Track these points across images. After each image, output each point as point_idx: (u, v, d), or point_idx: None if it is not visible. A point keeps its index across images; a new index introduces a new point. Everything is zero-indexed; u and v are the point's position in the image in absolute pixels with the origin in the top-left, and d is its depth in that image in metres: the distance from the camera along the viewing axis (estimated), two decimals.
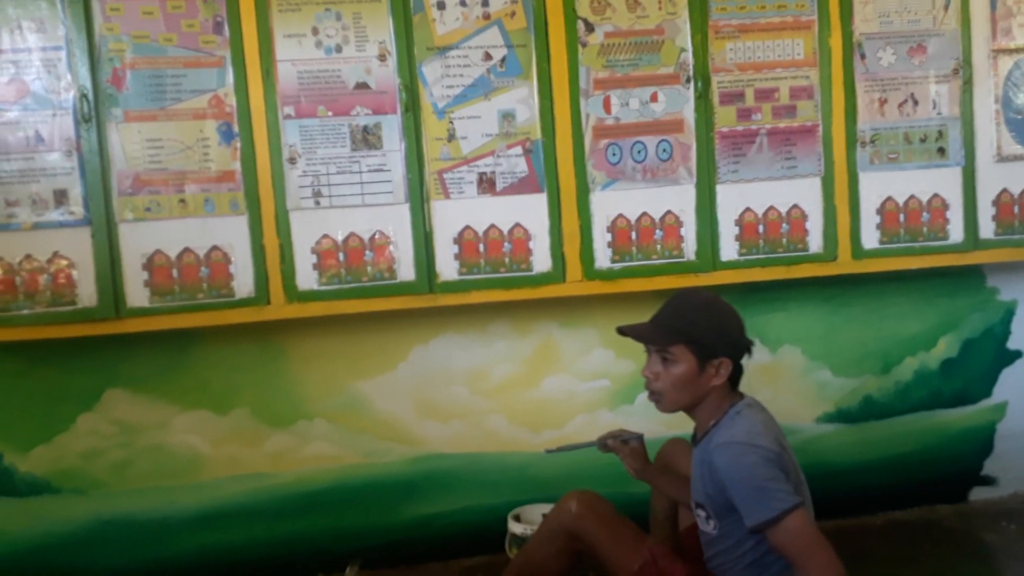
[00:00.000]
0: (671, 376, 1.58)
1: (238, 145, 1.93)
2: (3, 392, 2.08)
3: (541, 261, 2.05)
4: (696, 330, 1.57)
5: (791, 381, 2.39)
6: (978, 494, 2.48)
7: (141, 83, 1.88)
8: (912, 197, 2.19)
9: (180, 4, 1.89)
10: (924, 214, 2.20)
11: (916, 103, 2.19)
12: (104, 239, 1.88)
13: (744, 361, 1.62)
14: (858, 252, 2.18)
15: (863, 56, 2.16)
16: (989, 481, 2.49)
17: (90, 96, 1.86)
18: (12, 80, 1.85)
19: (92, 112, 1.86)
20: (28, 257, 1.87)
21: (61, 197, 1.87)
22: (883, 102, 2.18)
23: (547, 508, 2.17)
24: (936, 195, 2.20)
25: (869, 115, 2.17)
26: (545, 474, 2.28)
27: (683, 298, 1.64)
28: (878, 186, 2.18)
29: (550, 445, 2.27)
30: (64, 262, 1.88)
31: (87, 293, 1.89)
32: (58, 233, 1.87)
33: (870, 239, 2.18)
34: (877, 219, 2.18)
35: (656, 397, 1.63)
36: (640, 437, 1.78)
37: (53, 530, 2.11)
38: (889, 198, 2.19)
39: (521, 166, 2.04)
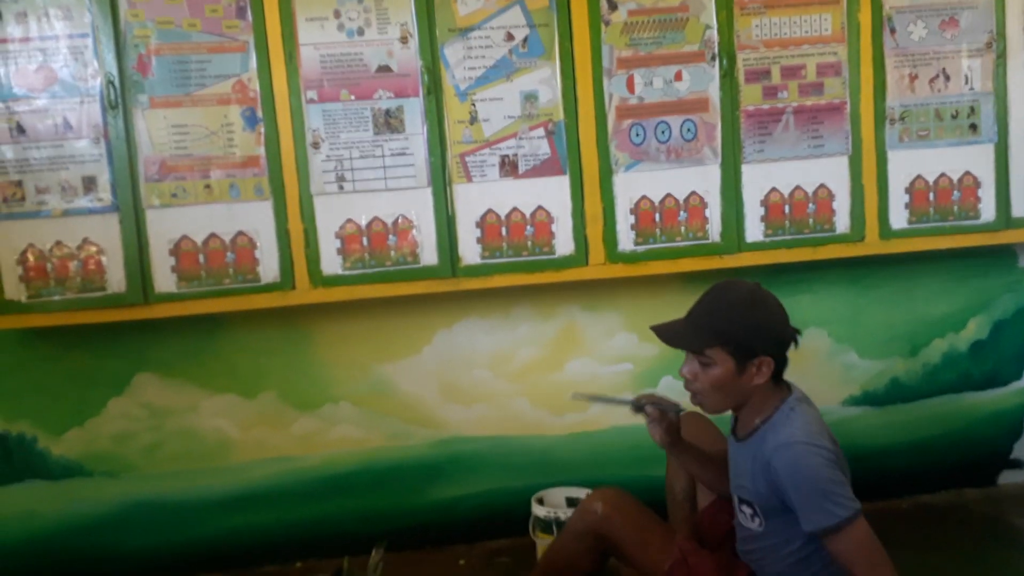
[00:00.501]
0: (709, 378, 1.52)
1: (262, 130, 1.94)
2: (36, 377, 2.12)
3: (564, 244, 2.05)
4: (733, 330, 1.51)
5: (817, 363, 2.37)
6: (1007, 477, 2.46)
7: (166, 69, 1.90)
8: (943, 175, 2.16)
9: None
10: (955, 192, 2.17)
11: (948, 78, 2.15)
12: (132, 225, 1.91)
13: (791, 351, 1.57)
14: (886, 232, 2.15)
15: (893, 30, 2.12)
16: (1018, 464, 2.47)
17: (116, 83, 1.88)
18: (40, 68, 1.87)
19: (119, 99, 1.89)
20: (58, 244, 1.91)
21: (90, 184, 1.90)
22: (913, 78, 2.14)
23: (570, 491, 2.21)
24: (967, 173, 2.17)
25: (899, 91, 2.13)
26: (568, 457, 2.30)
27: (719, 294, 1.58)
28: (907, 164, 2.15)
29: (573, 428, 2.31)
30: (93, 248, 1.91)
31: (116, 279, 1.92)
32: (87, 220, 1.91)
33: (899, 219, 2.15)
34: (906, 198, 2.15)
35: (697, 399, 1.57)
36: (679, 410, 1.71)
37: (85, 511, 2.16)
38: (919, 176, 2.16)
39: (543, 148, 2.03)
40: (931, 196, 2.16)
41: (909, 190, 2.16)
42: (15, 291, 1.90)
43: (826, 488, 1.42)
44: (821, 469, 1.44)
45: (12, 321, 1.92)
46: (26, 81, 1.88)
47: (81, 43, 1.88)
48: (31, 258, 1.90)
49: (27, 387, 2.12)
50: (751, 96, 2.09)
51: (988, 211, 2.18)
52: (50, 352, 2.11)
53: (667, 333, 1.57)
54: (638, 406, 1.70)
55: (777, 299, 1.59)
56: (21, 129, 1.88)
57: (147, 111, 1.91)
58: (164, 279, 1.94)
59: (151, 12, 1.89)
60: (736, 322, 1.52)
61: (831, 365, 2.38)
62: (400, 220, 2.00)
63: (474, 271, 2.03)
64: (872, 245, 2.16)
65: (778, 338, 1.55)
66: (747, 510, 1.57)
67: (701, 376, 1.54)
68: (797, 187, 2.12)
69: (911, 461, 2.41)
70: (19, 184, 1.89)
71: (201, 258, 1.95)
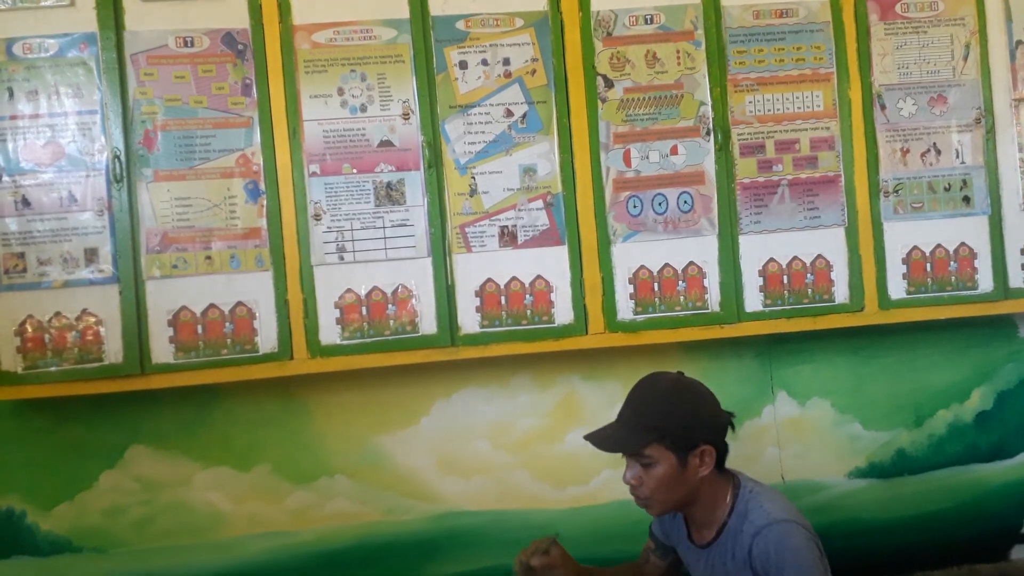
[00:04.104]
0: (654, 479, 1.49)
1: (264, 202, 1.98)
2: (28, 449, 2.10)
3: (563, 313, 2.07)
4: (666, 423, 1.49)
5: (820, 435, 2.36)
6: (1020, 552, 2.42)
7: (171, 144, 1.96)
8: (939, 246, 2.19)
9: (211, 68, 1.96)
10: (952, 263, 2.19)
11: (939, 152, 2.20)
12: (131, 296, 1.93)
13: (729, 437, 1.54)
14: (885, 302, 2.17)
15: (883, 107, 2.19)
16: None
17: (122, 157, 1.93)
18: (48, 143, 1.93)
19: (124, 172, 1.93)
20: (57, 314, 1.92)
21: (91, 255, 1.93)
22: (905, 152, 2.20)
23: None
24: (963, 244, 2.20)
25: (892, 165, 2.19)
26: (570, 532, 2.23)
27: (645, 389, 1.56)
28: (903, 235, 2.19)
29: (575, 502, 2.28)
30: (92, 319, 1.93)
31: (113, 349, 1.93)
32: (87, 291, 1.93)
33: (897, 289, 2.18)
34: (903, 269, 2.18)
35: (644, 503, 1.54)
36: (554, 539, 1.69)
37: None
38: (915, 247, 2.19)
39: (542, 219, 2.07)
40: (928, 267, 2.19)
41: (906, 261, 2.18)
42: (11, 362, 1.91)
43: (809, 570, 1.39)
44: (808, 550, 1.41)
45: (7, 393, 1.92)
46: (34, 156, 1.93)
47: (89, 119, 1.93)
48: (29, 329, 1.91)
49: (18, 460, 2.10)
50: (746, 169, 2.14)
51: (986, 282, 2.21)
52: (44, 424, 2.10)
53: (601, 439, 1.54)
54: (526, 568, 1.66)
55: (704, 385, 1.58)
56: (26, 202, 1.92)
57: (151, 184, 1.95)
58: (162, 350, 1.94)
59: (159, 90, 1.95)
60: (668, 414, 1.49)
61: (835, 436, 2.37)
62: (400, 290, 2.02)
63: (473, 340, 2.04)
64: (872, 315, 2.18)
65: (714, 423, 1.53)
66: None
67: (645, 478, 1.50)
68: (795, 257, 2.15)
69: (920, 536, 2.38)
70: (21, 256, 1.91)
71: (200, 328, 1.96)
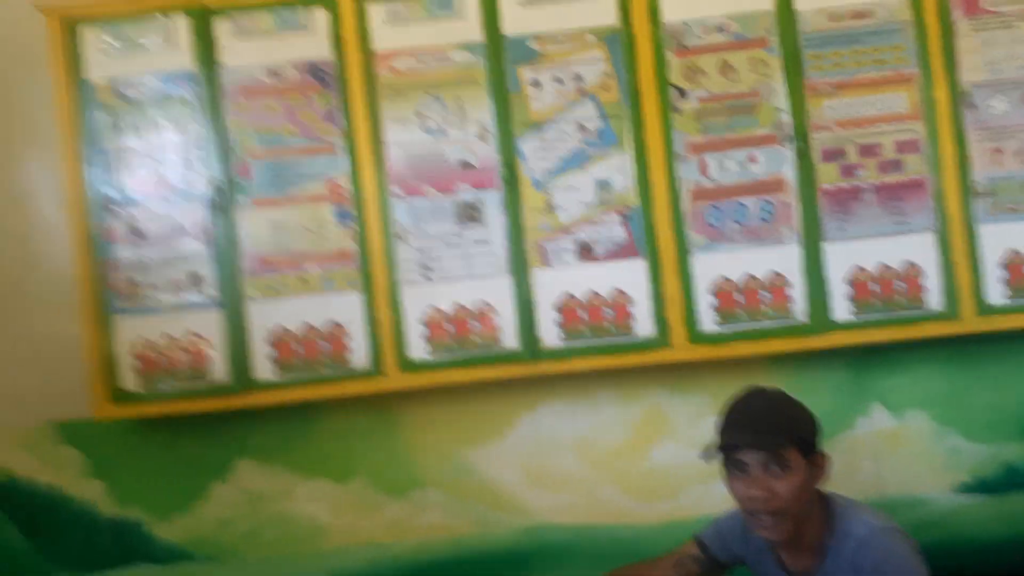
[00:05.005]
0: (790, 486, 1.40)
1: (353, 225, 2.08)
2: (146, 464, 2.24)
3: (644, 326, 2.07)
4: (798, 426, 1.44)
5: (919, 448, 2.25)
6: None
7: (265, 172, 2.08)
8: None
9: (298, 97, 2.09)
10: None
11: None
12: (234, 318, 2.06)
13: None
14: (983, 308, 2.07)
15: (972, 106, 2.10)
16: None
17: (222, 186, 2.07)
18: (156, 176, 2.09)
19: (223, 201, 2.07)
20: (168, 336, 2.07)
21: (196, 280, 2.07)
22: (998, 151, 2.10)
23: None
24: None
25: (984, 165, 2.09)
26: (656, 548, 2.20)
27: (759, 398, 1.51)
28: (1001, 238, 2.08)
29: (665, 517, 2.25)
30: (198, 340, 2.06)
31: (219, 369, 2.06)
32: (194, 313, 2.07)
33: (996, 294, 2.07)
34: (1002, 273, 2.08)
35: (774, 521, 1.42)
36: None
37: None
38: (1015, 251, 2.08)
39: (619, 232, 2.08)
40: None
41: (1004, 265, 2.08)
42: (130, 382, 2.06)
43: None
44: (913, 557, 1.37)
45: (127, 411, 2.07)
46: (142, 187, 2.09)
47: (191, 152, 2.09)
48: (144, 350, 2.07)
49: (138, 473, 2.24)
50: (828, 175, 2.09)
51: None
52: (160, 439, 2.24)
53: (744, 439, 1.43)
54: None
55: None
56: (136, 231, 2.08)
57: (249, 211, 2.08)
58: (263, 368, 2.06)
59: (252, 121, 2.08)
60: (796, 417, 1.45)
61: (935, 450, 2.25)
62: (482, 306, 2.08)
63: (554, 354, 2.07)
64: (968, 322, 2.08)
65: (820, 433, 1.48)
66: None
67: (779, 487, 1.40)
68: (883, 264, 2.09)
69: None
70: (134, 281, 2.07)
71: (297, 347, 2.06)
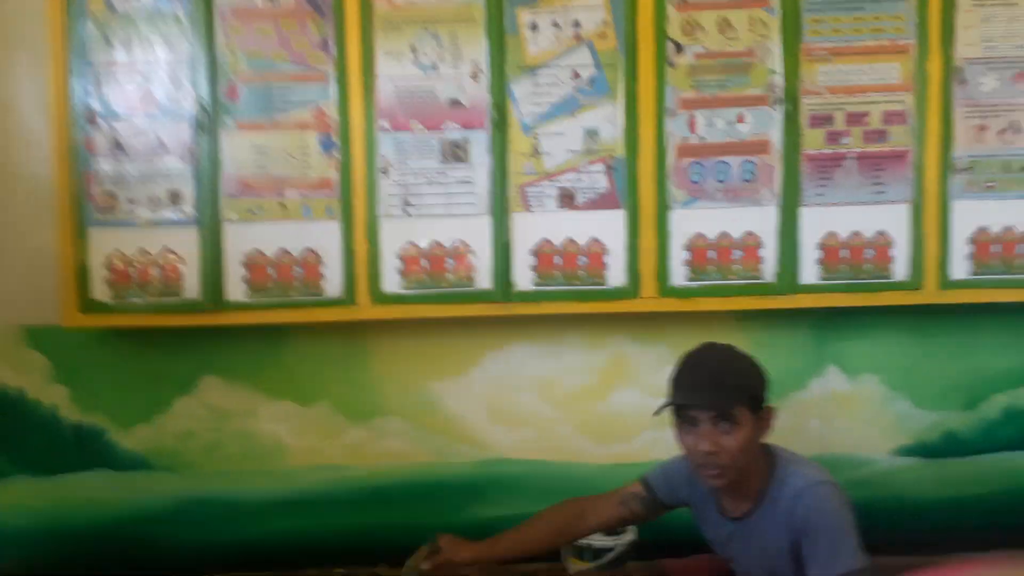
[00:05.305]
0: (738, 441, 1.51)
1: (337, 155, 2.15)
2: (113, 373, 2.35)
3: (616, 276, 2.19)
4: (749, 381, 1.53)
5: (870, 411, 2.44)
6: None
7: (253, 96, 2.13)
8: (1008, 228, 2.23)
9: (293, 24, 2.13)
10: (1021, 245, 2.23)
11: (1018, 131, 2.22)
12: (210, 237, 2.14)
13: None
14: (946, 282, 2.22)
15: (963, 81, 2.20)
16: None
17: (208, 107, 2.12)
18: (141, 91, 2.13)
19: (208, 121, 2.13)
20: (143, 251, 2.15)
21: (175, 198, 2.14)
22: (982, 128, 2.21)
23: None
24: None
25: (967, 142, 2.21)
26: (606, 486, 2.36)
27: (713, 355, 1.59)
28: (972, 215, 2.21)
29: (616, 458, 2.43)
30: (173, 257, 2.15)
31: (191, 286, 2.14)
32: (170, 230, 2.15)
33: (959, 269, 2.22)
34: (968, 249, 2.22)
35: (719, 471, 1.54)
36: (434, 543, 1.78)
37: (144, 503, 2.38)
38: (983, 228, 2.22)
39: (602, 182, 2.19)
40: (995, 248, 2.22)
41: (972, 241, 2.22)
42: (101, 292, 2.14)
43: (845, 532, 1.46)
44: (844, 511, 1.49)
45: (98, 320, 2.16)
46: (129, 103, 2.13)
47: (179, 70, 2.13)
48: (117, 263, 2.15)
49: (104, 382, 2.35)
50: (813, 140, 2.19)
51: None
52: (127, 351, 2.34)
53: (695, 396, 1.53)
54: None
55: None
56: (119, 145, 2.13)
57: (233, 133, 2.14)
58: (235, 289, 2.15)
59: (244, 44, 2.13)
60: (747, 372, 1.54)
61: (884, 413, 2.44)
62: (459, 245, 2.18)
63: (526, 297, 2.19)
64: (931, 294, 2.23)
65: (767, 385, 1.59)
66: None
67: (726, 442, 1.52)
68: (856, 232, 2.21)
69: (962, 518, 2.45)
70: (113, 195, 2.14)
71: (271, 271, 2.16)
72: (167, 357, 2.37)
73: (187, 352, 2.36)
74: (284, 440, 2.41)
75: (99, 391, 2.37)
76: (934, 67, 2.21)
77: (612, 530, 2.05)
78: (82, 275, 2.15)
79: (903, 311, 2.35)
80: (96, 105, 2.14)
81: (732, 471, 1.56)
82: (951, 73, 2.21)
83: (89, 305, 2.16)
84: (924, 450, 2.48)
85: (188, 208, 2.16)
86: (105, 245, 2.16)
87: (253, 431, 2.40)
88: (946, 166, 2.22)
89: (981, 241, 2.24)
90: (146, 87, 2.14)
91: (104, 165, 2.15)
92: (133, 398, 2.37)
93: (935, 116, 2.22)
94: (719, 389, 1.53)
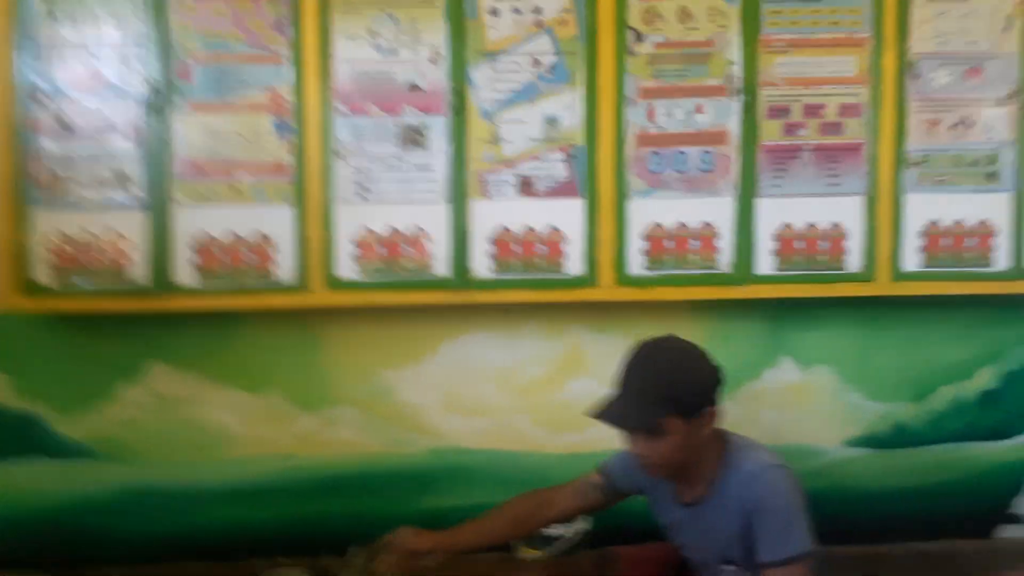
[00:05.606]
0: (667, 448, 1.58)
1: (292, 139, 2.17)
2: (55, 359, 2.34)
3: (574, 265, 2.25)
4: (676, 392, 1.57)
5: (821, 402, 2.54)
6: (1004, 531, 2.62)
7: (207, 77, 2.14)
8: (959, 221, 2.33)
9: (248, 3, 2.14)
10: (970, 239, 2.34)
11: (969, 126, 2.33)
12: (159, 220, 2.15)
13: (726, 398, 1.66)
14: (898, 274, 2.31)
15: (917, 76, 2.29)
16: (1016, 519, 2.62)
17: (159, 87, 2.13)
18: (90, 70, 2.12)
19: (159, 102, 2.13)
20: (87, 233, 2.15)
21: (123, 180, 2.14)
22: (934, 123, 2.31)
23: None
24: (983, 221, 2.33)
25: (920, 136, 2.30)
26: (562, 476, 2.41)
27: (646, 361, 1.64)
28: (924, 208, 2.31)
29: (571, 448, 2.48)
30: (120, 239, 2.15)
31: (139, 270, 2.15)
32: (118, 213, 2.15)
33: (911, 261, 2.32)
34: (920, 242, 2.32)
35: (653, 469, 1.64)
36: (385, 543, 1.83)
37: (86, 493, 2.38)
38: (934, 221, 2.32)
39: (561, 171, 2.24)
40: (946, 241, 2.33)
41: (924, 234, 2.32)
42: (44, 276, 2.14)
43: (795, 515, 1.54)
44: (794, 495, 1.56)
45: (39, 304, 2.15)
46: (75, 81, 2.12)
47: (130, 49, 2.13)
48: (62, 246, 2.14)
49: (45, 368, 2.34)
50: (770, 131, 2.27)
51: (1003, 260, 2.34)
52: (71, 337, 2.34)
53: (613, 416, 1.61)
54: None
55: (695, 344, 1.68)
56: (65, 125, 2.12)
57: (185, 115, 2.14)
58: (184, 273, 2.16)
59: (198, 23, 2.13)
60: (676, 383, 1.58)
61: (835, 405, 2.54)
62: (416, 232, 2.22)
63: (484, 285, 2.23)
64: (883, 286, 2.32)
65: (715, 384, 1.64)
66: (730, 568, 1.65)
67: (654, 449, 1.60)
68: (811, 224, 2.30)
69: (908, 507, 2.57)
70: (58, 176, 2.13)
71: (222, 256, 2.17)
72: (112, 343, 2.37)
73: (133, 338, 2.37)
74: (233, 429, 2.43)
75: (40, 377, 2.37)
76: (889, 61, 2.30)
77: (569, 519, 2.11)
78: (23, 257, 2.14)
79: (856, 303, 2.45)
80: (40, 82, 2.13)
81: (668, 468, 1.65)
82: (905, 67, 2.30)
83: (30, 288, 2.15)
84: (874, 441, 2.59)
85: (136, 190, 2.16)
86: (48, 226, 2.15)
87: (201, 419, 2.42)
88: (900, 159, 2.32)
89: (932, 234, 2.34)
90: (94, 65, 2.14)
91: (48, 144, 2.14)
92: (76, 385, 2.37)
93: (889, 110, 2.31)
94: (639, 406, 1.58)
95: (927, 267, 2.35)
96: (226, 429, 2.43)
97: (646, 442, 1.61)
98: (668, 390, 1.58)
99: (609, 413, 1.63)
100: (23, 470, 2.39)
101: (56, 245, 2.16)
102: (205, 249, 2.19)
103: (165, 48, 2.14)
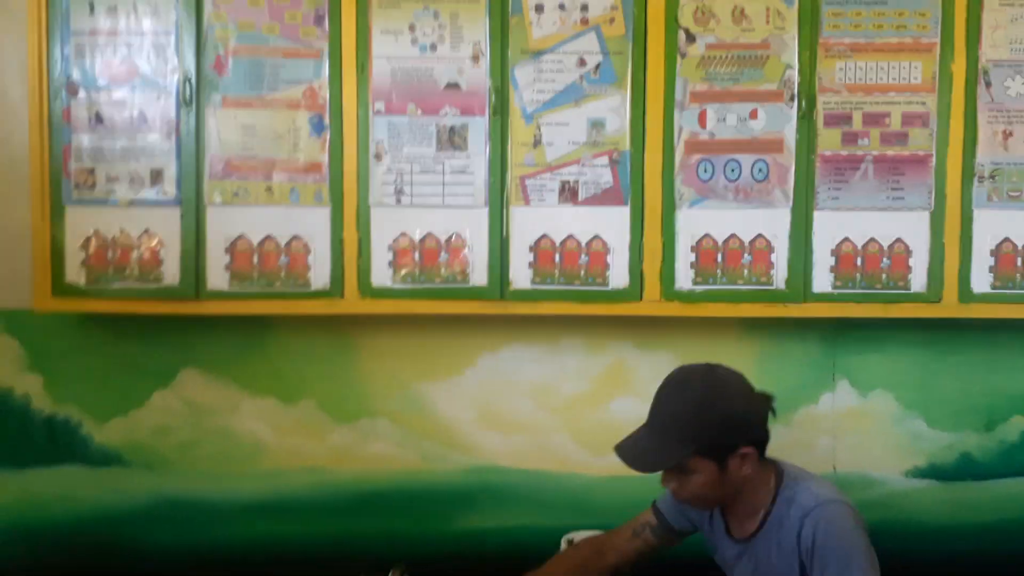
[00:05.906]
0: (694, 487, 1.53)
1: (327, 137, 2.12)
2: (87, 363, 2.32)
3: (618, 277, 2.15)
4: (703, 433, 1.49)
5: (880, 429, 2.40)
6: None
7: (241, 70, 2.11)
8: None
9: None
10: None
11: None
12: (192, 220, 2.11)
13: (782, 424, 1.62)
14: (966, 295, 2.17)
15: (988, 84, 2.17)
16: None
17: (193, 80, 2.09)
18: (124, 61, 2.10)
19: (193, 96, 2.10)
20: (122, 232, 2.12)
21: (157, 176, 2.11)
22: (1008, 135, 2.17)
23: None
24: None
25: (991, 148, 2.17)
26: (604, 500, 2.36)
27: (676, 395, 1.57)
28: (995, 225, 2.17)
29: (613, 471, 2.34)
30: (153, 240, 2.12)
31: (171, 271, 2.11)
32: (150, 211, 2.12)
33: (981, 282, 2.18)
34: (991, 261, 2.18)
35: (689, 504, 1.61)
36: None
37: (118, 501, 2.34)
38: (1007, 239, 2.18)
39: (606, 177, 2.15)
40: (1020, 261, 2.18)
41: (995, 252, 2.18)
42: (76, 275, 2.11)
43: (855, 557, 1.43)
44: (856, 535, 1.45)
45: (71, 304, 2.13)
46: (109, 73, 2.11)
47: (164, 40, 2.10)
48: (94, 244, 2.11)
49: (78, 372, 2.32)
50: (829, 141, 2.16)
51: None
52: (103, 339, 2.31)
53: (634, 456, 1.55)
54: None
55: (737, 375, 1.58)
56: (99, 119, 2.10)
57: (219, 109, 2.11)
58: (217, 276, 2.12)
59: (233, 14, 2.10)
60: (703, 423, 1.50)
61: (896, 432, 2.40)
62: (454, 238, 2.14)
63: (523, 296, 2.15)
64: (950, 307, 2.18)
65: (752, 421, 1.56)
66: None
67: (685, 485, 1.54)
68: (872, 239, 2.17)
69: (976, 545, 2.41)
70: (92, 171, 2.11)
71: (255, 258, 2.12)
72: (145, 347, 2.34)
73: (166, 342, 2.33)
74: (265, 439, 2.38)
75: (74, 381, 2.34)
76: (959, 68, 2.17)
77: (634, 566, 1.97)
78: (56, 256, 2.12)
79: (919, 324, 2.31)
80: (76, 75, 2.12)
81: (705, 503, 1.60)
82: (976, 75, 2.17)
83: (63, 288, 2.13)
84: (938, 472, 2.44)
85: (170, 188, 2.13)
86: (81, 225, 2.13)
87: (233, 428, 2.37)
88: (968, 172, 2.18)
89: (1004, 253, 2.19)
90: (130, 58, 2.12)
91: (83, 139, 2.12)
92: (109, 389, 2.34)
93: (958, 120, 2.18)
94: (662, 444, 1.52)
95: (998, 288, 2.19)
96: (258, 439, 2.38)
97: (676, 479, 1.55)
98: (692, 430, 1.51)
99: (631, 452, 1.57)
100: (56, 476, 2.36)
101: (89, 244, 2.14)
102: (238, 251, 2.15)
103: (200, 40, 2.12)
